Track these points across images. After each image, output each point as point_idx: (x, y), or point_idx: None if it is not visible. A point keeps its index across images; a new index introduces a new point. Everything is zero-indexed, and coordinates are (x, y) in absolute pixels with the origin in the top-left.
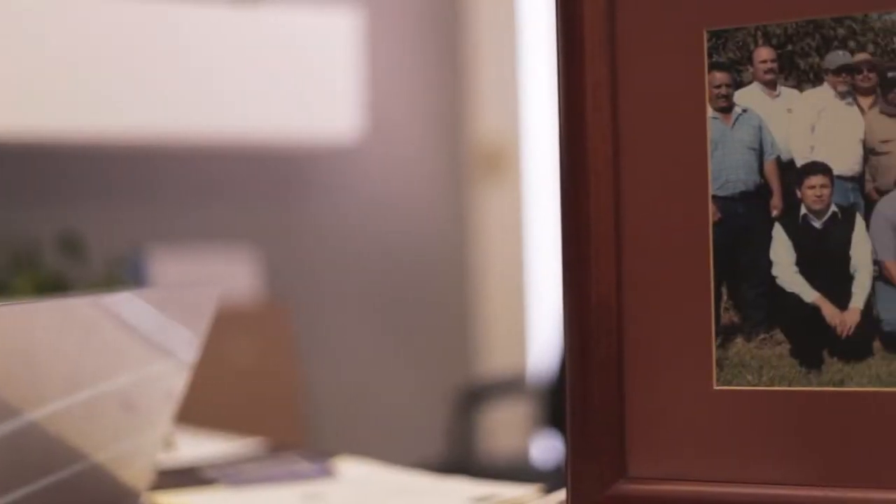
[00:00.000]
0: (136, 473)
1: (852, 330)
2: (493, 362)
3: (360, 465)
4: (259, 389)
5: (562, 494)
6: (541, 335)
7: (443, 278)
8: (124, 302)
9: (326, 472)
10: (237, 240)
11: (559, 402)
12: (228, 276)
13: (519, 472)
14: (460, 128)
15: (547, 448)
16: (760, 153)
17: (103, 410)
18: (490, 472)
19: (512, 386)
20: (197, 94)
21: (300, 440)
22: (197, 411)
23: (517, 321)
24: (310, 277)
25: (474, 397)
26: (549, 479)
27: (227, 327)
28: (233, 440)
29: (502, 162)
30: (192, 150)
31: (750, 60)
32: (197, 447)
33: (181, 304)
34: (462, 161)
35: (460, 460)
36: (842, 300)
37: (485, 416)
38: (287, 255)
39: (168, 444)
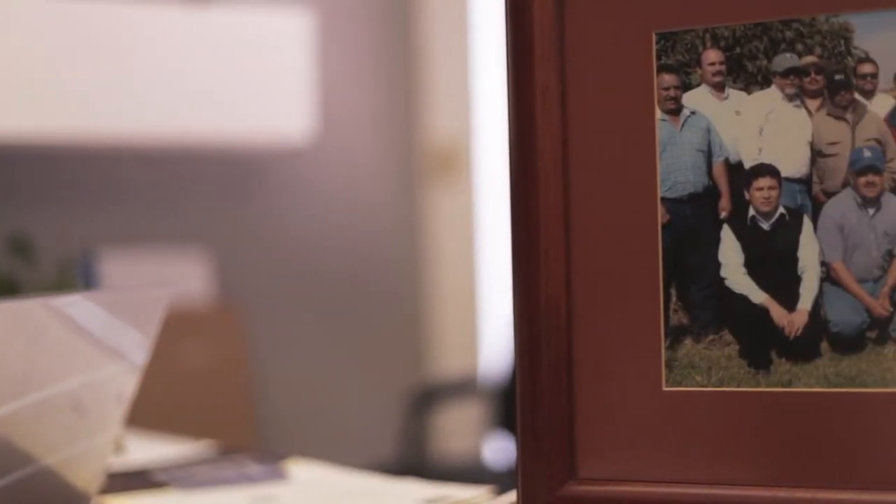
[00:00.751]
0: (86, 476)
1: (800, 331)
2: (446, 364)
3: (311, 468)
4: (210, 392)
5: (513, 496)
6: (493, 336)
7: (395, 280)
8: (74, 304)
9: (277, 475)
10: (188, 242)
11: (511, 404)
12: (180, 278)
13: (471, 473)
14: (412, 129)
15: (499, 449)
16: (709, 155)
17: (53, 413)
18: (442, 474)
19: (464, 387)
20: (148, 96)
21: (251, 443)
22: (148, 414)
23: (469, 323)
24: (261, 279)
25: (427, 399)
26: (501, 481)
27: (178, 329)
28: (183, 443)
29: (454, 163)
30: (143, 152)
31: (698, 63)
32: (147, 450)
33: (131, 307)
34: (414, 162)
35: (413, 462)
36: (790, 301)
37: (437, 417)
38: (238, 256)
39: (118, 447)
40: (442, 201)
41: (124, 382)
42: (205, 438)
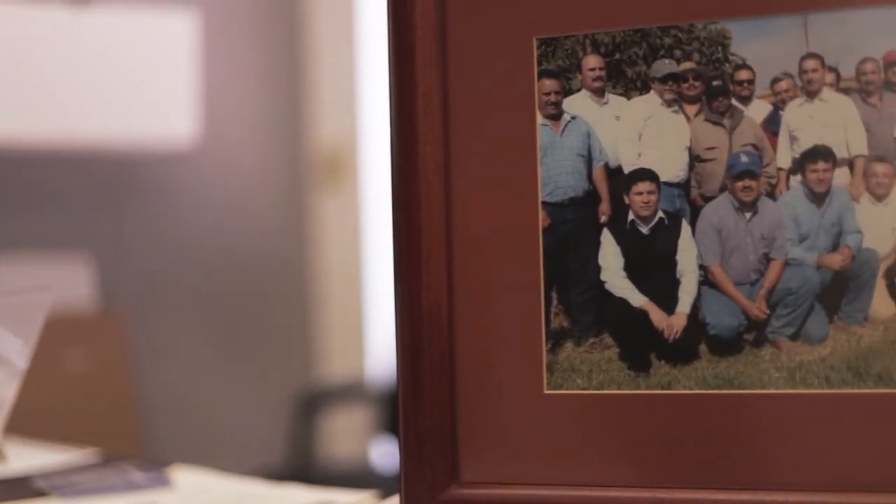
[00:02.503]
0: None
1: (679, 334)
2: (332, 368)
3: (196, 474)
4: (92, 398)
5: (397, 500)
6: (379, 341)
7: (281, 284)
8: None
9: (162, 482)
10: (70, 246)
11: (396, 408)
12: (61, 282)
13: (358, 477)
14: (298, 133)
15: (386, 453)
16: (589, 160)
17: None
18: (330, 479)
19: (350, 392)
20: (27, 96)
21: (135, 449)
22: (28, 420)
23: (355, 327)
24: (144, 284)
25: (313, 403)
26: (387, 485)
27: (59, 334)
28: (65, 450)
29: (340, 168)
30: (23, 154)
31: (579, 68)
32: (28, 457)
33: (11, 312)
34: (300, 166)
35: (300, 467)
36: (669, 304)
37: (324, 422)
38: (121, 261)
39: None
40: (328, 205)
41: (4, 388)
42: (87, 445)
